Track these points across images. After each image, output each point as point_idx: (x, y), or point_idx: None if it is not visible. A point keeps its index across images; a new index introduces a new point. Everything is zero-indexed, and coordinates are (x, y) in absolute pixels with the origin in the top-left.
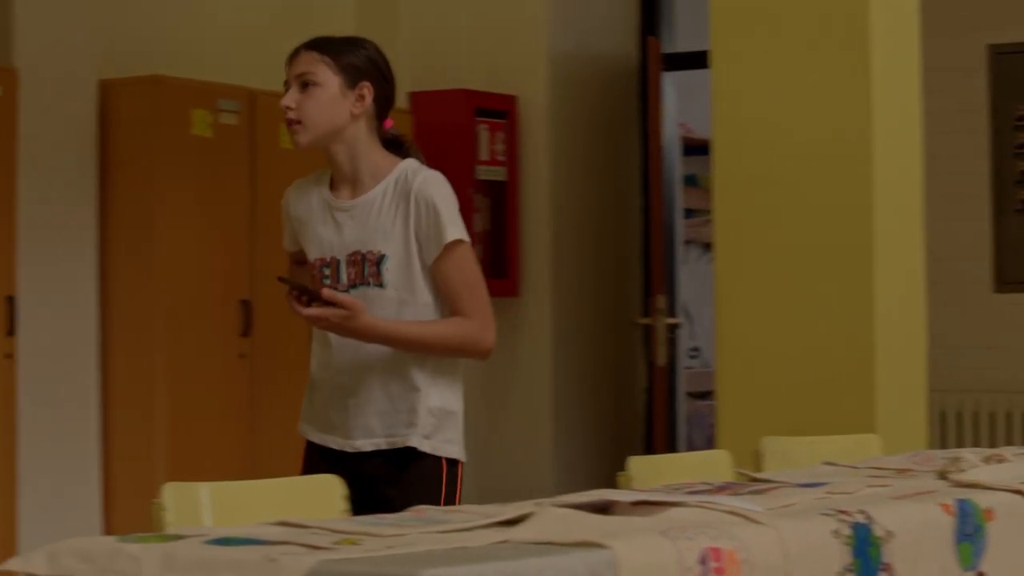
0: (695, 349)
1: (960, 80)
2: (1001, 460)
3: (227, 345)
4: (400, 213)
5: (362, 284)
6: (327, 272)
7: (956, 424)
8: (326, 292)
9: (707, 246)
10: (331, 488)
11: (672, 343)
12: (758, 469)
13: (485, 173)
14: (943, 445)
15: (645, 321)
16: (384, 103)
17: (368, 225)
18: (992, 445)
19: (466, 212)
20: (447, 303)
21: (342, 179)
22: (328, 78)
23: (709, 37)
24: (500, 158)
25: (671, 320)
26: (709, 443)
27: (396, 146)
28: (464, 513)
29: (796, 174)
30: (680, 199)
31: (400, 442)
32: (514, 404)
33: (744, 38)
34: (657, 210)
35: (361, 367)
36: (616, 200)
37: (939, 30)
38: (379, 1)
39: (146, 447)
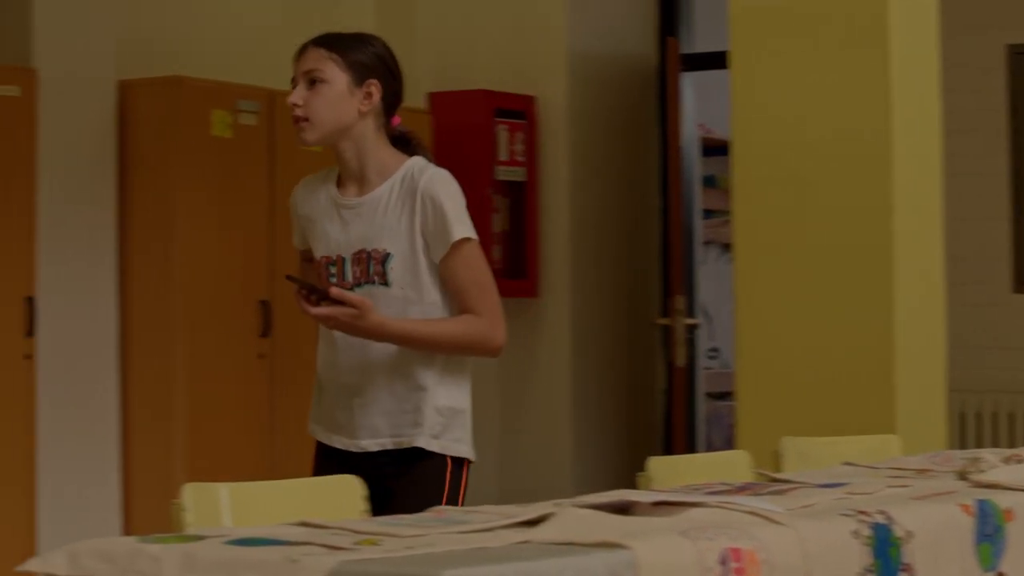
0: (714, 350)
1: (979, 79)
2: (1020, 460)
3: (246, 345)
4: (406, 211)
5: (367, 282)
6: (333, 270)
7: (975, 424)
8: (335, 291)
9: (726, 246)
10: (351, 489)
11: (691, 344)
12: (777, 470)
13: (504, 173)
14: (962, 446)
15: (664, 322)
16: (392, 100)
17: (374, 223)
18: (1011, 445)
19: (485, 212)
20: (456, 301)
21: (349, 177)
22: (336, 75)
23: (728, 37)
24: (519, 158)
25: (690, 321)
26: (728, 444)
27: (404, 143)
28: (484, 514)
29: (815, 174)
30: (699, 199)
31: (407, 442)
32: (533, 405)
33: (763, 38)
34: (676, 210)
35: (366, 367)
36: (635, 201)
37: (958, 29)
38: (398, 1)
39: (165, 447)
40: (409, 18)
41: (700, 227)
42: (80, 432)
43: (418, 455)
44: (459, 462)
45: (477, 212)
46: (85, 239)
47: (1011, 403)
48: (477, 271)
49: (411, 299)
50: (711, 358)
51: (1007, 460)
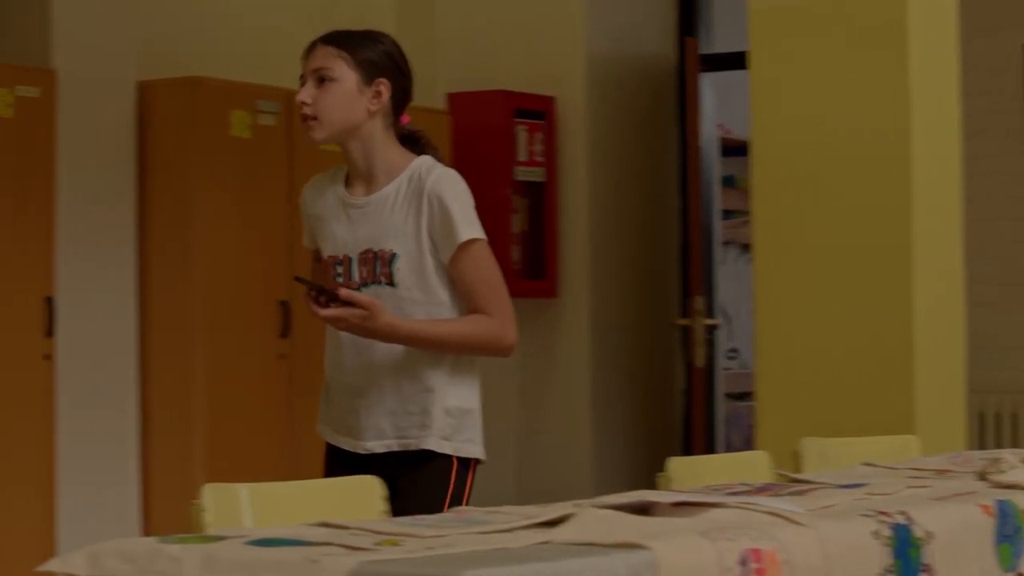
0: (733, 350)
1: (995, 80)
2: None
3: (266, 346)
4: (412, 211)
5: (374, 282)
6: (340, 270)
7: (995, 425)
8: (344, 292)
9: (745, 247)
10: (371, 489)
11: (710, 344)
12: (797, 470)
13: (523, 174)
14: (982, 446)
15: (683, 322)
16: (401, 98)
17: (381, 223)
18: None
19: (504, 213)
20: (465, 302)
21: (357, 176)
22: (345, 74)
23: (748, 38)
24: (538, 159)
25: (709, 321)
26: (747, 444)
27: (412, 142)
28: (504, 514)
29: (835, 174)
30: (718, 200)
31: (414, 444)
32: (552, 405)
33: (782, 38)
34: (695, 211)
35: (371, 368)
36: (654, 201)
37: (974, 30)
38: (417, 2)
39: (185, 448)
40: (428, 18)
41: (719, 227)
42: (100, 432)
43: (425, 456)
44: (466, 462)
45: (496, 212)
46: (105, 240)
47: None
48: (486, 271)
49: (417, 300)
50: (730, 358)
51: None
